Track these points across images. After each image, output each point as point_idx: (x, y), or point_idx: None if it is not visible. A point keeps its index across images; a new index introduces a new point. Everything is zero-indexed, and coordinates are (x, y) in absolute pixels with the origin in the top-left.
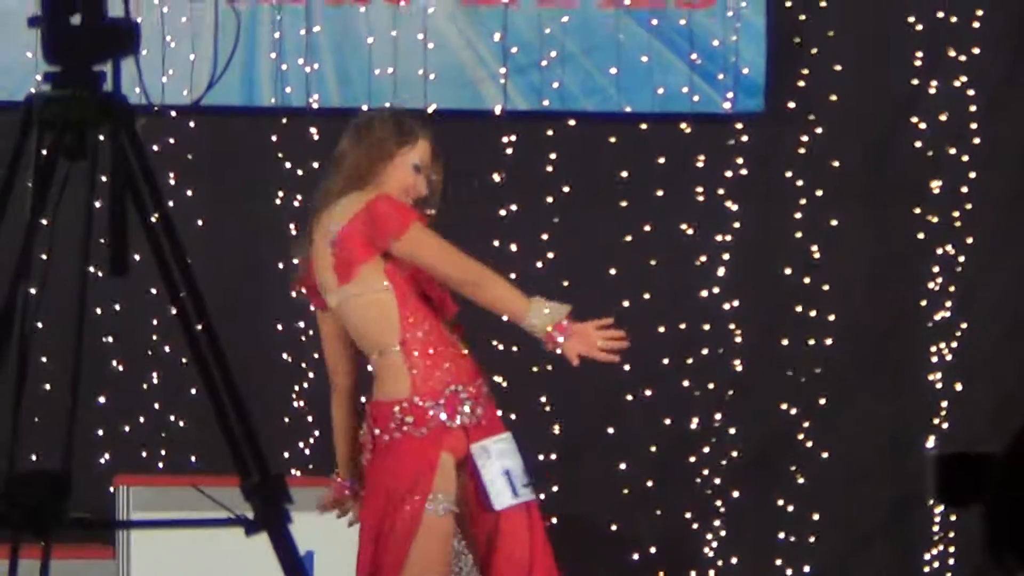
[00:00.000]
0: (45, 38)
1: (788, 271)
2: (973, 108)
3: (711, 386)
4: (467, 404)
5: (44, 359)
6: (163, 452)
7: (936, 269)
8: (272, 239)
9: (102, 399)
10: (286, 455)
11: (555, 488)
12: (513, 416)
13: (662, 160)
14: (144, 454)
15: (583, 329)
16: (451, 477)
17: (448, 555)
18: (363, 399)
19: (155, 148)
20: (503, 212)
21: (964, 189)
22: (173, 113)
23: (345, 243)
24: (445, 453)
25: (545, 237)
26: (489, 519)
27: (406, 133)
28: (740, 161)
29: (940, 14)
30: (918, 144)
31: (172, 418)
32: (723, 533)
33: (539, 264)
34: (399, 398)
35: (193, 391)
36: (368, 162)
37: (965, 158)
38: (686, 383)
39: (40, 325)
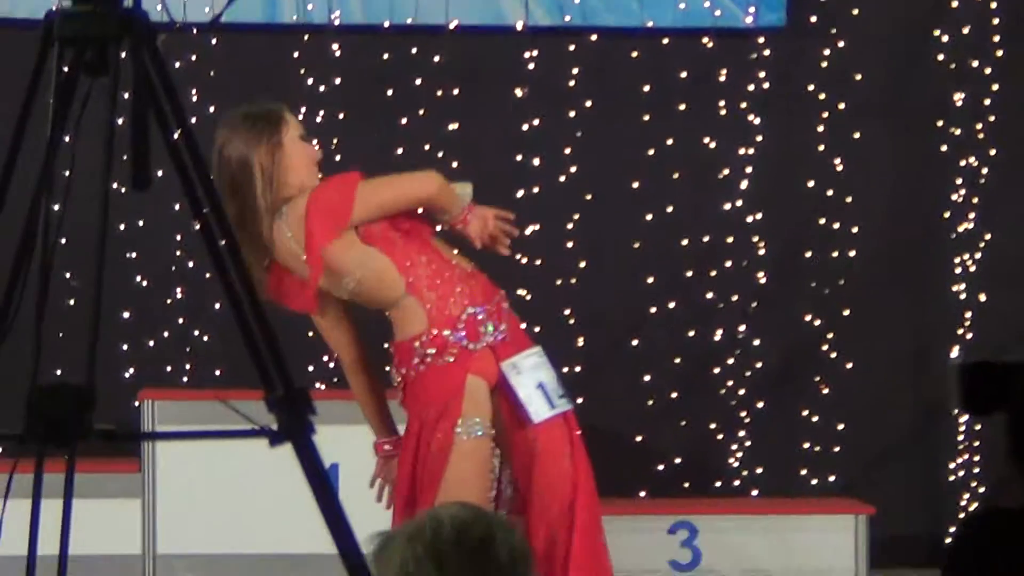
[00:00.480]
0: None
1: (811, 184)
2: (996, 20)
3: (735, 298)
4: (488, 324)
5: (67, 275)
6: (187, 367)
7: (959, 181)
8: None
9: (126, 314)
10: (310, 368)
11: (580, 400)
12: (537, 329)
13: (684, 75)
14: (168, 369)
15: (483, 212)
16: (482, 400)
17: (485, 478)
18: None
19: (176, 65)
20: (525, 127)
21: (987, 101)
22: (194, 30)
23: (318, 254)
24: (472, 377)
25: (568, 151)
26: (527, 437)
27: (272, 121)
28: (762, 75)
29: None
30: (940, 57)
31: (196, 333)
32: (748, 444)
33: (562, 178)
34: (418, 333)
35: (217, 306)
36: (271, 164)
37: (988, 70)
38: (710, 295)
39: (63, 241)
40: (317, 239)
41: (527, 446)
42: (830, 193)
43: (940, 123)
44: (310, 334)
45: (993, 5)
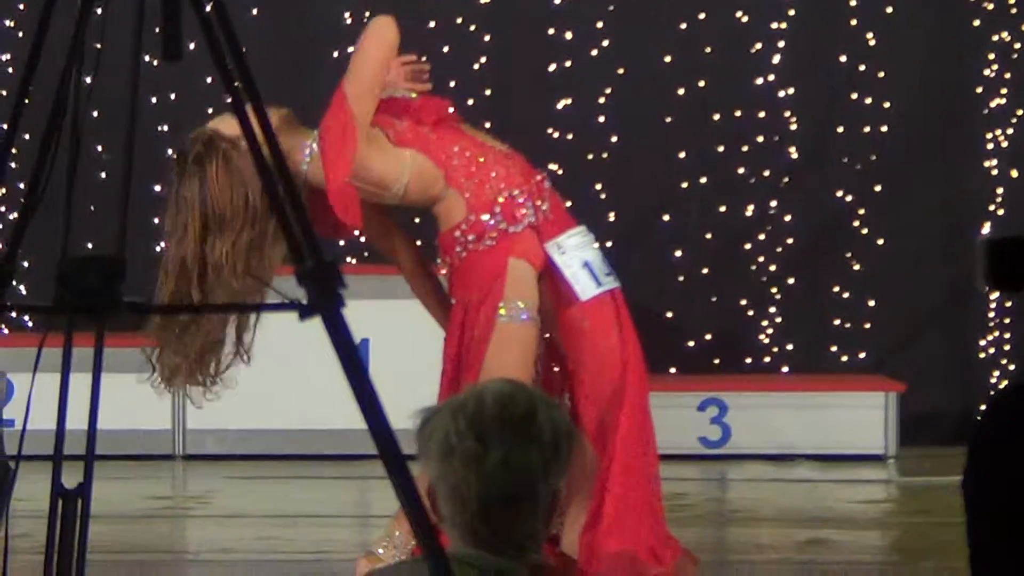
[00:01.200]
0: None
1: (843, 58)
2: None
3: (766, 173)
4: (527, 206)
5: (99, 147)
6: None
7: (992, 56)
8: (326, 26)
9: (157, 188)
10: (341, 243)
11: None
12: (568, 204)
13: None
14: None
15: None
16: (526, 283)
17: (528, 363)
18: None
19: None
20: (558, 1)
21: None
22: None
23: (339, 186)
24: (514, 259)
25: (600, 25)
26: (575, 316)
27: (207, 151)
28: None
29: None
30: None
31: None
32: (778, 320)
33: (594, 52)
34: (458, 222)
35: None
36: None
37: None
38: (741, 170)
39: (94, 113)
40: (333, 175)
41: (576, 325)
42: (862, 68)
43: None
44: None
45: None
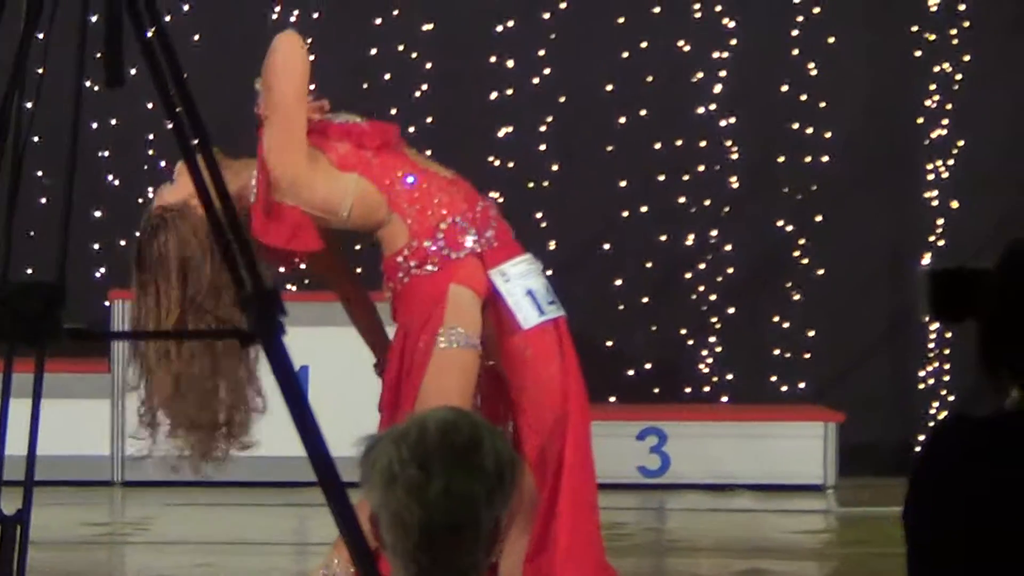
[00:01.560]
0: None
1: (785, 88)
2: None
3: (707, 203)
4: (470, 232)
5: (39, 173)
6: None
7: (933, 87)
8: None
9: (97, 213)
10: (281, 270)
11: None
12: None
13: None
14: None
15: None
16: (467, 309)
17: (467, 389)
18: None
19: None
20: (500, 28)
21: (961, 7)
22: None
23: (260, 225)
24: (456, 285)
25: (541, 53)
26: (518, 344)
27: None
28: None
29: None
30: None
31: None
32: (718, 350)
33: (535, 80)
34: (400, 248)
35: (192, 204)
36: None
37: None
38: (682, 199)
39: (36, 139)
40: (258, 224)
41: (518, 353)
42: (804, 98)
43: (915, 28)
44: None
45: None
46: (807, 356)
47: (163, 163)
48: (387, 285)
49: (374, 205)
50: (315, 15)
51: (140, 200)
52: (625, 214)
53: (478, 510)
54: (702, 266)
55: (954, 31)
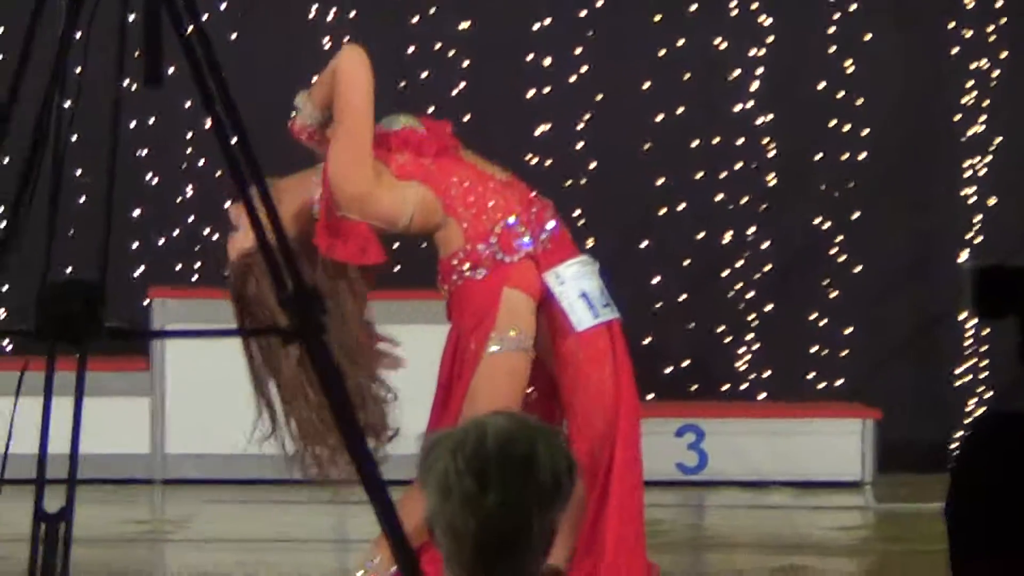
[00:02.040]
0: None
1: (822, 86)
2: None
3: (744, 200)
4: (525, 235)
5: (79, 172)
6: (197, 265)
7: (970, 84)
8: (305, 51)
9: (137, 212)
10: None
11: None
12: None
13: None
14: (179, 267)
15: None
16: (521, 313)
17: (518, 391)
18: None
19: None
20: (536, 26)
21: (999, 3)
22: None
23: (323, 241)
24: (509, 289)
25: (578, 52)
26: (571, 347)
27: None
28: None
29: None
30: None
31: (207, 231)
32: (755, 347)
33: (572, 78)
34: (455, 251)
35: (227, 204)
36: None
37: (994, 7)
38: (719, 197)
39: (75, 138)
40: (322, 242)
41: (571, 356)
42: (840, 95)
43: (951, 25)
44: None
45: None
46: (844, 353)
47: (202, 161)
48: (442, 286)
49: (432, 211)
50: (352, 14)
51: (179, 199)
52: (662, 212)
53: (532, 521)
54: (739, 263)
55: (991, 28)
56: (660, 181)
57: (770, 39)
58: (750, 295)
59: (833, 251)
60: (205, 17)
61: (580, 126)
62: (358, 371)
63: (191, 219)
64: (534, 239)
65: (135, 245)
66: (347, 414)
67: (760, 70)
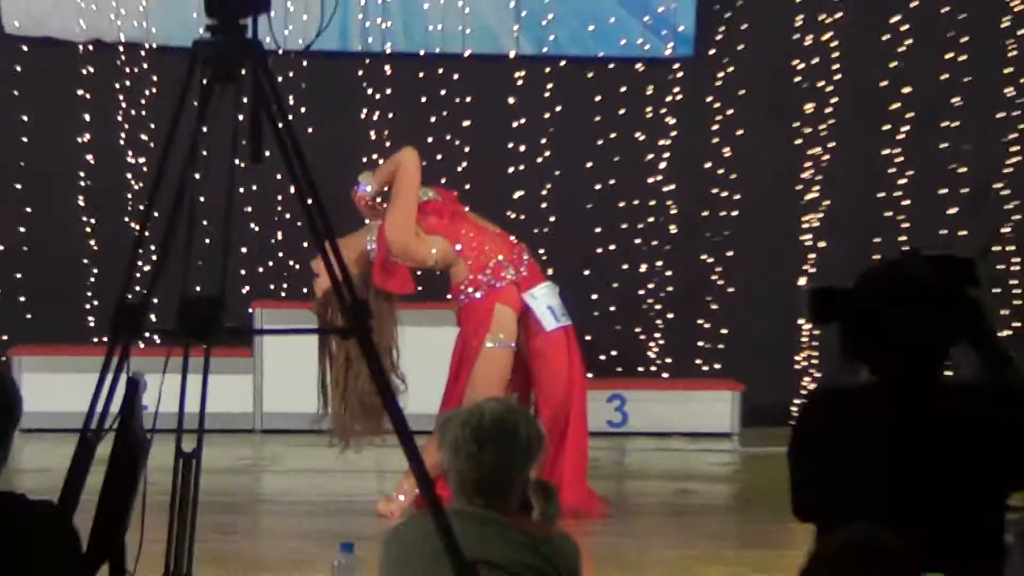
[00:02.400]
0: (207, 1)
1: (708, 165)
2: (834, 55)
3: (654, 243)
4: (510, 269)
5: (205, 222)
6: (285, 286)
7: (808, 164)
8: (355, 143)
9: (244, 249)
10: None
11: None
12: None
13: (623, 89)
14: (272, 287)
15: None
16: (506, 322)
17: (504, 377)
18: None
19: (279, 78)
20: (515, 124)
21: (828, 110)
22: (292, 55)
23: (380, 279)
24: (499, 305)
25: (544, 140)
26: (539, 343)
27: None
28: (676, 89)
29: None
30: (796, 79)
31: (292, 263)
32: (662, 342)
33: (539, 160)
34: (462, 279)
35: (304, 244)
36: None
37: (829, 88)
38: (638, 240)
39: (202, 199)
40: (378, 278)
41: (539, 349)
42: (721, 171)
43: (796, 124)
44: None
45: (833, 44)
46: (721, 347)
47: (288, 215)
48: (453, 301)
49: (448, 254)
50: (389, 115)
51: (272, 241)
52: (599, 250)
53: (513, 473)
54: (651, 286)
55: (823, 126)
56: (598, 230)
57: (674, 133)
58: (658, 307)
59: (715, 278)
60: (291, 117)
61: (544, 192)
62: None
63: (280, 255)
64: (516, 271)
65: (243, 272)
66: (385, 384)
67: (666, 154)
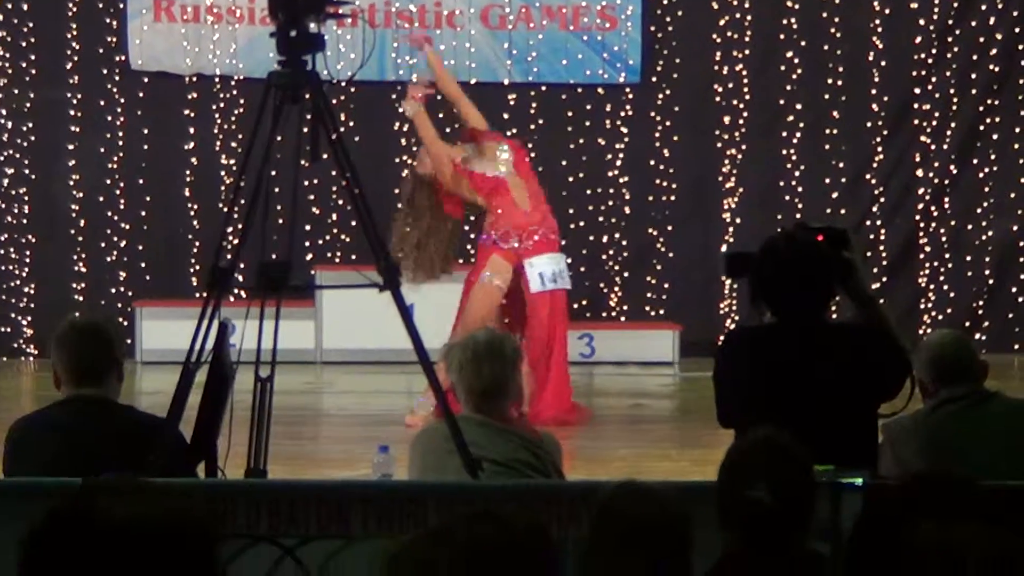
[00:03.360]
0: (278, 43)
1: (652, 163)
2: (745, 90)
3: (613, 220)
4: (514, 240)
5: (279, 207)
6: (340, 254)
7: (726, 160)
8: (388, 149)
9: (307, 227)
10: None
11: None
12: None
13: (588, 107)
14: (328, 254)
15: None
16: (500, 268)
17: (488, 310)
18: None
19: (333, 101)
20: (509, 133)
21: (740, 120)
22: (342, 83)
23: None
24: (495, 255)
25: (531, 146)
26: (528, 298)
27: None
28: (628, 107)
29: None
30: (716, 99)
31: (344, 237)
32: (620, 294)
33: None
34: (484, 226)
35: (352, 223)
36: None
37: (741, 105)
38: (601, 219)
39: (276, 190)
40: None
41: (529, 303)
42: (662, 167)
43: (716, 132)
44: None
45: (744, 73)
46: (664, 297)
47: (340, 201)
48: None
49: (477, 204)
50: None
51: (329, 220)
52: (572, 226)
53: (507, 379)
54: (611, 252)
55: (738, 134)
56: (571, 211)
57: (626, 139)
58: (617, 268)
59: (659, 246)
60: (341, 129)
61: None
62: (429, 238)
63: (335, 231)
64: (520, 243)
65: (307, 243)
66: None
67: (621, 155)
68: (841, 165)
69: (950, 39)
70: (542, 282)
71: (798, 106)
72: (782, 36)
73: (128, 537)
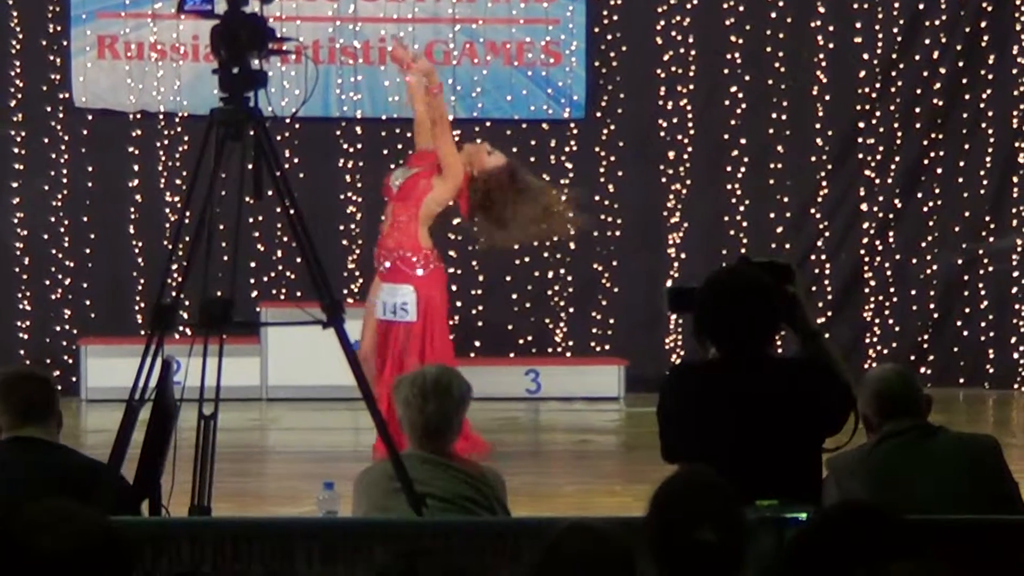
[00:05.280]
0: (221, 80)
1: (597, 198)
2: (690, 118)
3: (559, 256)
4: (381, 261)
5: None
6: (284, 290)
7: (671, 196)
8: (333, 186)
9: (252, 264)
10: (344, 291)
11: (481, 308)
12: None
13: (533, 143)
14: (274, 291)
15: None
16: (375, 289)
17: (372, 335)
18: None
19: (277, 137)
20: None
21: (685, 156)
22: (287, 120)
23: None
24: (376, 279)
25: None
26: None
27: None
28: (572, 142)
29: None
30: (661, 133)
31: (288, 274)
32: (565, 329)
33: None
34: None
35: (297, 259)
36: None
37: (686, 141)
38: (546, 254)
39: (222, 227)
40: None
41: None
42: (607, 203)
43: (661, 167)
44: (344, 274)
45: (688, 108)
46: (610, 332)
47: (285, 238)
48: None
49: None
50: (360, 163)
51: (273, 257)
52: (517, 262)
53: (451, 417)
54: (557, 287)
55: (683, 168)
56: (516, 247)
57: (571, 175)
58: (562, 303)
59: (604, 281)
60: (285, 166)
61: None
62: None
63: (280, 267)
64: (379, 264)
65: (252, 280)
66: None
67: (566, 191)
68: (786, 199)
69: (894, 73)
70: (382, 311)
71: (742, 140)
72: (726, 71)
73: (48, 564)
